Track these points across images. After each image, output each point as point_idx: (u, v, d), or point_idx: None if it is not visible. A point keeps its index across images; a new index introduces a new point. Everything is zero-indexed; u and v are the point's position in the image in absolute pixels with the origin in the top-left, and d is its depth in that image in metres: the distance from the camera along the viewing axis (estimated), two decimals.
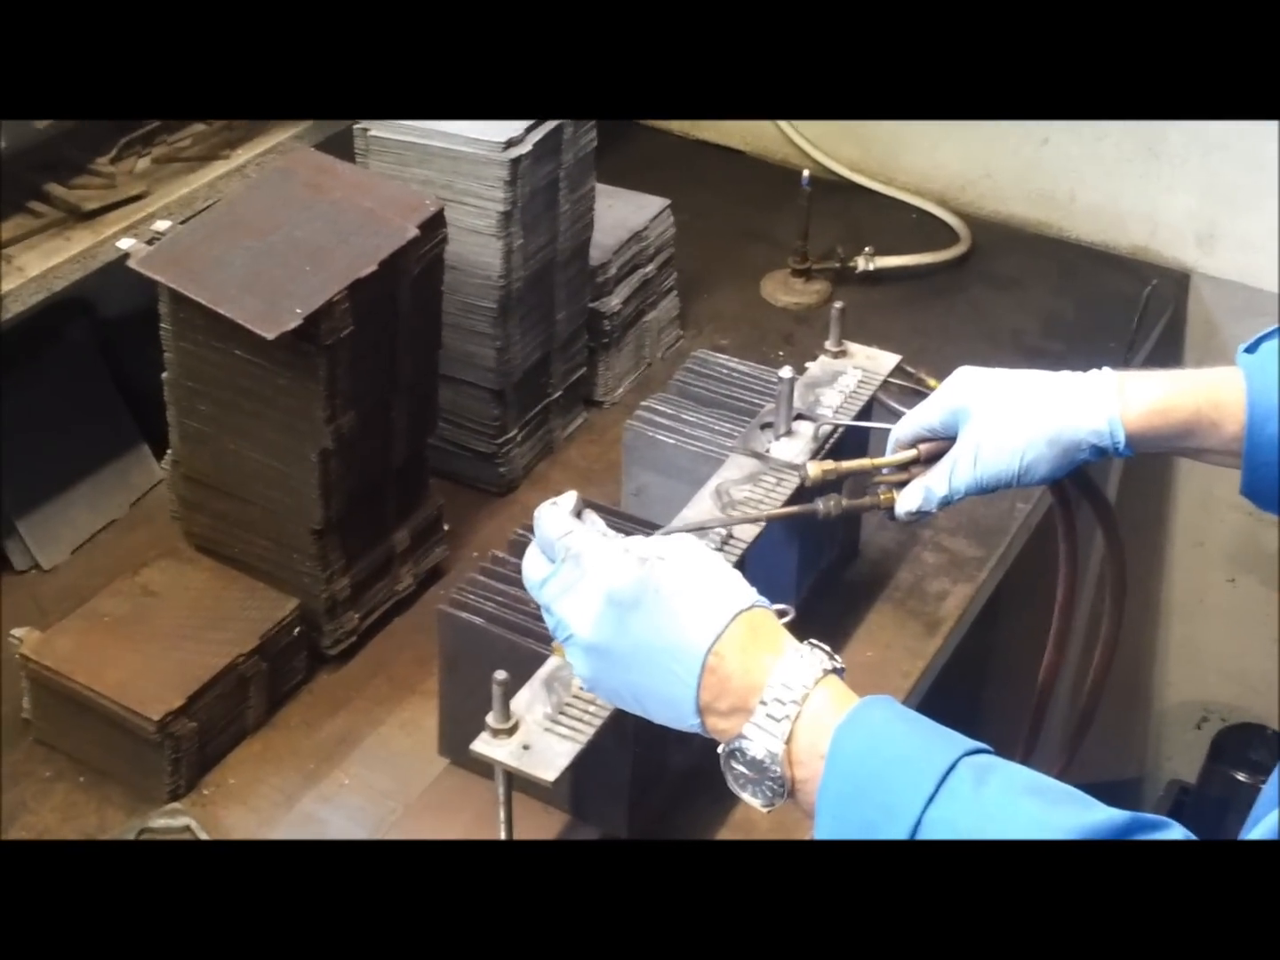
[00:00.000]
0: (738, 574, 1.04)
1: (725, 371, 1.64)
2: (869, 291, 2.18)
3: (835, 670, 0.99)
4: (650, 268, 1.98)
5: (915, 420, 1.34)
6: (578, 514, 1.08)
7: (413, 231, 1.48)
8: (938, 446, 1.34)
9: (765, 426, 1.53)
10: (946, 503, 1.31)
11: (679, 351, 2.05)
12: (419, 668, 1.58)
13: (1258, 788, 2.45)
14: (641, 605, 1.01)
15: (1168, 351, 2.28)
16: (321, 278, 1.42)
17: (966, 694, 2.40)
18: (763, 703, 0.97)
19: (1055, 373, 1.33)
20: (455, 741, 1.43)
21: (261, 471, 1.52)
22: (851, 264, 2.19)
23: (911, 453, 1.34)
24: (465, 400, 1.77)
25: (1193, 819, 2.61)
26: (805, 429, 1.52)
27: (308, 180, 1.53)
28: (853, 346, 1.64)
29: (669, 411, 1.58)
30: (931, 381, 2.00)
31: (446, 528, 1.70)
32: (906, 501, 1.32)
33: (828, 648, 1.00)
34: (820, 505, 1.32)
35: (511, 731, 1.20)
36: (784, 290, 2.18)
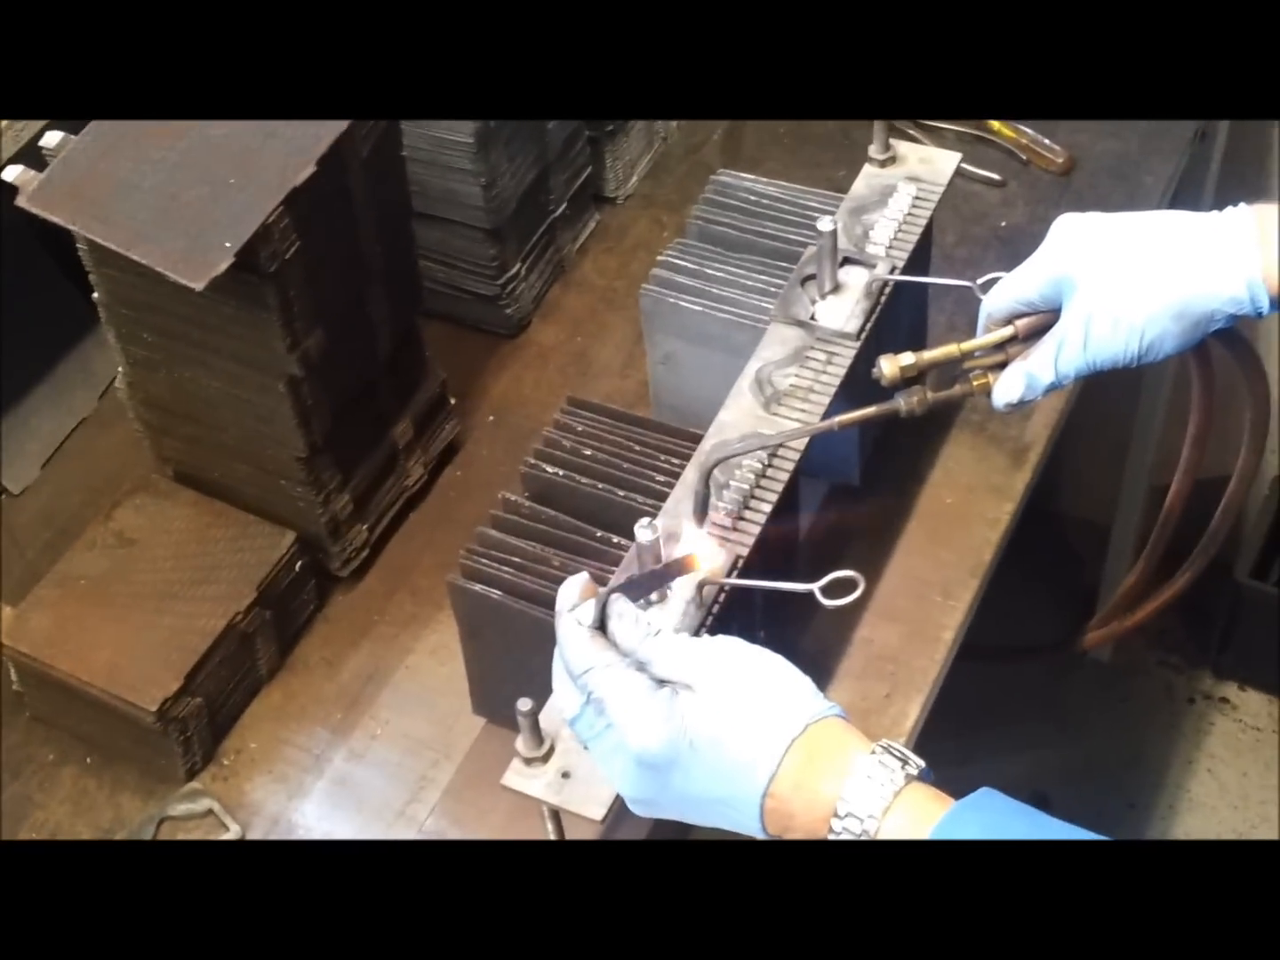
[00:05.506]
0: (786, 681, 0.87)
1: (753, 199, 1.37)
2: None
3: (915, 776, 0.83)
4: None
5: (1009, 292, 1.11)
6: (601, 616, 0.89)
7: None
8: (1039, 320, 1.12)
9: (807, 280, 1.28)
10: (1054, 389, 1.10)
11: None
12: (443, 575, 1.39)
13: None
14: (678, 764, 0.86)
15: None
16: (251, 191, 1.16)
17: (1042, 524, 2.20)
18: (834, 832, 0.83)
19: (1179, 217, 1.07)
20: (488, 702, 1.28)
21: (227, 400, 1.30)
22: None
23: (1008, 330, 1.12)
24: (456, 240, 1.52)
25: None
26: (854, 279, 1.27)
27: None
28: (903, 148, 1.37)
29: (690, 266, 1.33)
30: (994, 124, 1.71)
31: (453, 401, 1.49)
32: (1006, 390, 1.11)
33: (902, 750, 0.83)
34: (902, 403, 1.12)
35: (546, 757, 1.03)
36: None
